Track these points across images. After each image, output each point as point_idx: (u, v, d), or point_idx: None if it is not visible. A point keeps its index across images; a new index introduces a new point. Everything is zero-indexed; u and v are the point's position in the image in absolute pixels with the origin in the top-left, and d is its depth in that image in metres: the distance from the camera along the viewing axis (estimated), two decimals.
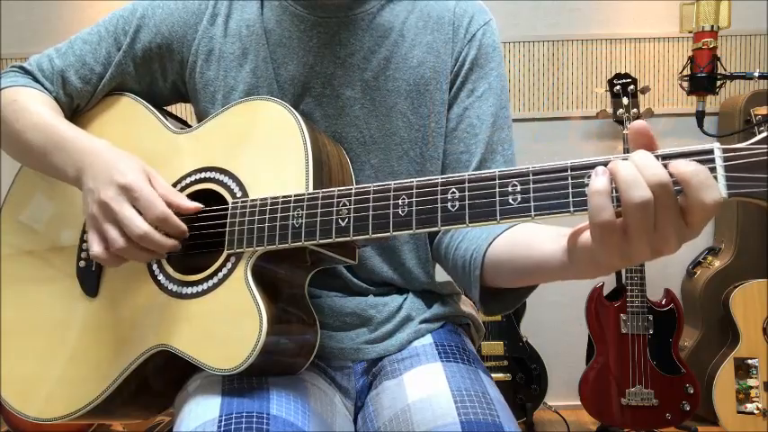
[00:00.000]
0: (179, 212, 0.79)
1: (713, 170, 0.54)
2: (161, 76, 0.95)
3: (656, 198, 0.54)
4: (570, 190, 0.59)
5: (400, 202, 0.67)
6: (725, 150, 0.54)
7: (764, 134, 0.53)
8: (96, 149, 0.83)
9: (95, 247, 0.78)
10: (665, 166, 0.55)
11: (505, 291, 0.79)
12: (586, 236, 0.60)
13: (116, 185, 0.77)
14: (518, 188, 0.61)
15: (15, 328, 0.91)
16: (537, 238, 0.71)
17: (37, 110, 0.89)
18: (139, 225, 0.76)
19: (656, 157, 0.56)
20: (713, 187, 0.53)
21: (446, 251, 0.89)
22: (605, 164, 0.57)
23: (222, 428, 0.70)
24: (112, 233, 0.77)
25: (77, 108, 0.97)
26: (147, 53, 0.93)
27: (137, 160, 0.82)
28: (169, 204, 0.78)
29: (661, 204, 0.54)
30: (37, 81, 0.94)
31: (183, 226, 0.79)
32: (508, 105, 0.94)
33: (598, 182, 0.56)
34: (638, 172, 0.54)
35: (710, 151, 0.55)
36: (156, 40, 0.92)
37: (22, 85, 0.93)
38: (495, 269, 0.78)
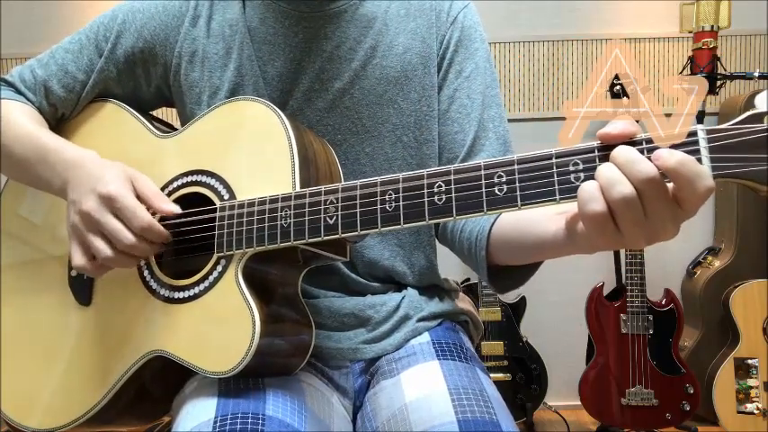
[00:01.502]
0: (161, 217, 0.80)
1: (697, 152, 0.54)
2: (145, 80, 0.95)
3: (643, 192, 0.54)
4: (556, 178, 0.59)
5: (387, 197, 0.67)
6: (708, 132, 0.54)
7: (747, 113, 0.53)
8: (80, 160, 0.83)
9: (78, 259, 0.79)
10: (650, 157, 0.54)
11: (513, 267, 0.80)
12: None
13: (97, 195, 0.77)
14: (504, 179, 0.61)
15: (11, 340, 0.91)
16: (538, 217, 0.71)
17: (20, 122, 0.89)
18: (126, 236, 0.76)
19: (641, 148, 0.56)
20: (702, 175, 0.53)
21: (452, 235, 0.90)
22: (590, 150, 0.58)
23: (217, 429, 0.70)
24: (98, 244, 0.77)
25: (62, 117, 0.96)
26: (129, 58, 0.93)
27: (120, 167, 0.81)
28: (149, 209, 0.78)
29: (649, 197, 0.54)
30: (19, 93, 0.94)
31: (166, 232, 0.78)
32: (495, 84, 0.96)
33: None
34: (619, 170, 0.55)
35: (694, 133, 0.55)
36: (138, 44, 0.92)
37: (4, 98, 0.92)
38: (500, 248, 0.79)
